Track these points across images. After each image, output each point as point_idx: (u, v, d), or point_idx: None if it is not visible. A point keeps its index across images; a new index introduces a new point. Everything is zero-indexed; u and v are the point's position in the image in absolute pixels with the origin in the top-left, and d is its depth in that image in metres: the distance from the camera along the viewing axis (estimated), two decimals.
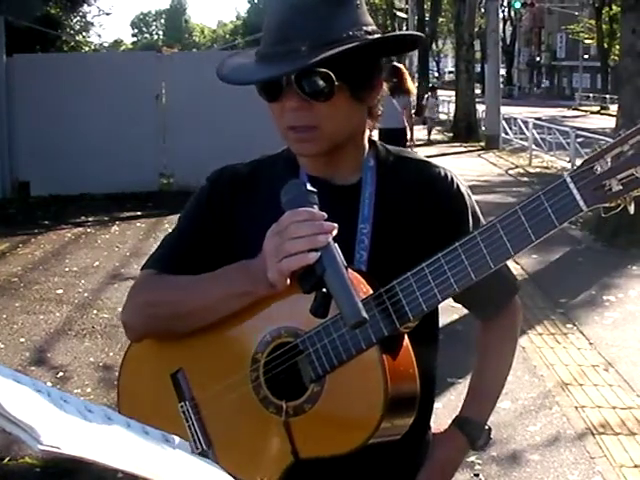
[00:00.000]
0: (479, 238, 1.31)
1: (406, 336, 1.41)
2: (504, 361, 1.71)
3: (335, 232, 1.30)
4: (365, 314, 1.24)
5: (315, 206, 1.32)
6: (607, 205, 1.26)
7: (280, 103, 1.44)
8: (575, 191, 1.25)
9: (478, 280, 1.32)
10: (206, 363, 1.50)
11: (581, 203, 1.25)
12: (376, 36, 1.44)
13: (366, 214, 1.52)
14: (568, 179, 1.26)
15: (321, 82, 1.40)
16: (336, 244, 1.29)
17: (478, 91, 34.56)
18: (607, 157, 1.24)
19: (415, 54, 36.53)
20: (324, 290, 1.26)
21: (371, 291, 1.37)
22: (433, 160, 1.62)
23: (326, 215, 1.31)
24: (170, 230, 1.68)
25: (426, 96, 26.99)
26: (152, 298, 1.54)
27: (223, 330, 1.47)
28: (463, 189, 1.59)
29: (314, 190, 1.33)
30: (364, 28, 1.43)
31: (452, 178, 1.58)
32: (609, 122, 22.70)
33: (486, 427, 1.63)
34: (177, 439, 1.10)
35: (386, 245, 1.51)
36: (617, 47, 28.18)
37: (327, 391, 1.38)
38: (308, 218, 1.30)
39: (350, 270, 1.31)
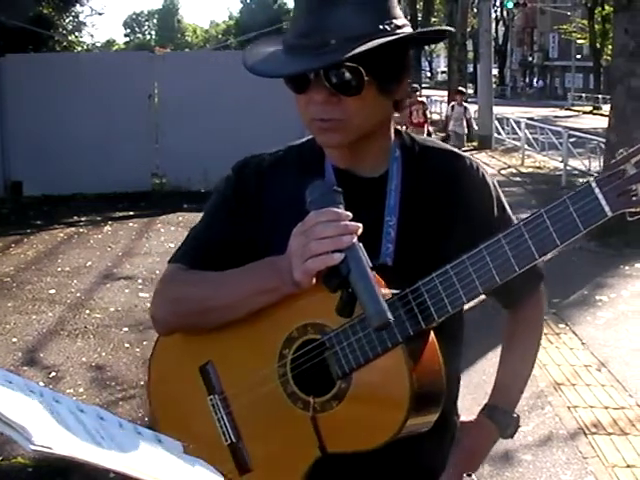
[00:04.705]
0: (504, 241, 1.31)
1: (432, 331, 1.40)
2: (530, 350, 1.71)
3: (360, 232, 1.30)
4: (390, 315, 1.23)
5: (341, 206, 1.31)
6: (632, 210, 1.25)
7: (307, 95, 1.42)
8: (600, 196, 1.25)
9: (502, 282, 1.32)
10: (234, 357, 1.50)
11: (606, 208, 1.25)
12: (406, 30, 1.42)
13: (392, 206, 1.51)
14: (594, 184, 1.25)
15: (350, 77, 1.38)
16: (361, 244, 1.29)
17: (470, 91, 34.53)
18: (632, 161, 1.24)
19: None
20: (349, 290, 1.26)
21: (393, 291, 1.37)
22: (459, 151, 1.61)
23: (351, 215, 1.31)
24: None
25: (452, 103, 19.49)
26: (180, 294, 1.54)
27: (251, 325, 1.48)
28: (489, 179, 1.58)
29: (340, 190, 1.33)
30: (394, 22, 1.40)
31: (478, 168, 1.57)
32: (602, 122, 22.71)
33: (514, 415, 1.64)
34: (169, 440, 1.10)
35: (412, 236, 1.50)
36: (609, 47, 28.24)
37: (354, 388, 1.39)
38: (333, 218, 1.30)
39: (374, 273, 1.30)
